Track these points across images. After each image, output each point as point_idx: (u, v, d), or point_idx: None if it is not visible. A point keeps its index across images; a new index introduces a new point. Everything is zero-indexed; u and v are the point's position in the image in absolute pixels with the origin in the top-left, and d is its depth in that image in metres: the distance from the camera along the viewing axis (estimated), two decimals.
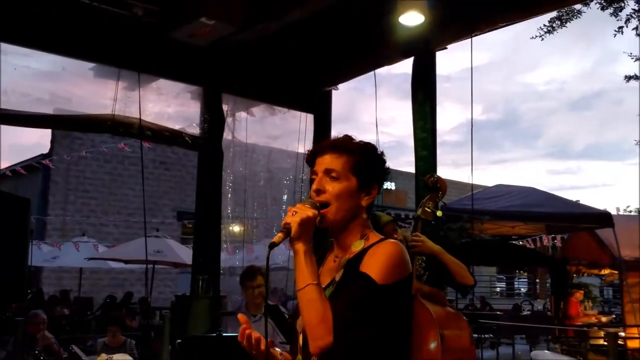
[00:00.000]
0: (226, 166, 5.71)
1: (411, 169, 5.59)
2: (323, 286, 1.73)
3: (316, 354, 1.61)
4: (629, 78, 12.57)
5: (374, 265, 1.65)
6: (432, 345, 3.37)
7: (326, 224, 1.75)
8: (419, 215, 3.69)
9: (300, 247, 1.65)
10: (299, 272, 1.65)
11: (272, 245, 1.64)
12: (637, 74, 12.63)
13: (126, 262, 11.67)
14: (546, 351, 3.55)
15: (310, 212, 1.67)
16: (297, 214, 1.66)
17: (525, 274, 24.67)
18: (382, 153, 1.84)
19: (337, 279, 1.73)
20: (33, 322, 6.50)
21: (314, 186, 1.77)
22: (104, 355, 2.13)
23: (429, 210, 3.68)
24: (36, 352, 2.16)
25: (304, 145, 5.90)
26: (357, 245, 1.75)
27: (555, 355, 3.30)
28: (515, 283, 25.86)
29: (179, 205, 17.95)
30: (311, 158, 1.82)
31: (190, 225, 16.65)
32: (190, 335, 4.04)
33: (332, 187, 1.74)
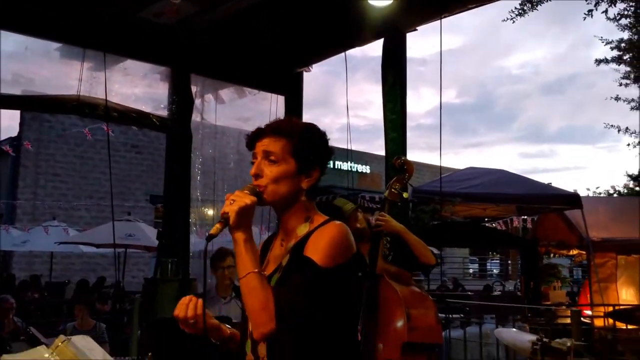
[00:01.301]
0: (195, 148, 5.65)
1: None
2: (270, 272, 1.75)
3: (260, 340, 1.63)
4: (599, 62, 12.74)
5: (317, 249, 1.64)
6: (399, 324, 3.41)
7: (265, 203, 1.74)
8: (386, 197, 3.72)
9: (239, 236, 1.64)
10: (240, 261, 1.64)
11: (210, 237, 1.64)
12: (608, 58, 12.80)
13: (97, 246, 11.55)
14: (510, 328, 3.61)
15: (248, 199, 1.65)
16: (234, 202, 1.64)
17: (498, 255, 25.02)
18: (324, 135, 1.82)
19: (283, 264, 1.73)
20: (1, 308, 6.41)
21: (252, 170, 1.76)
22: (62, 337, 2.10)
23: (395, 191, 3.71)
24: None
25: None
26: (302, 229, 1.75)
27: (519, 332, 3.36)
28: (487, 265, 26.23)
29: (152, 189, 17.79)
30: (251, 142, 1.80)
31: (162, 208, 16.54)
32: (158, 317, 4.00)
33: (269, 171, 1.73)
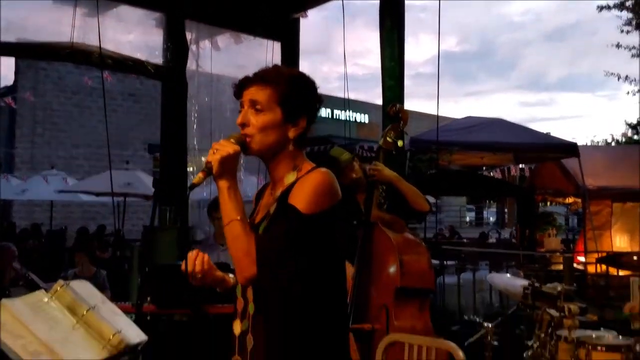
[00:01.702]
0: (191, 96, 5.61)
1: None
2: (258, 220, 1.77)
3: (244, 284, 1.68)
4: (601, 8, 12.54)
5: (300, 196, 1.65)
6: (392, 270, 3.47)
7: (251, 152, 1.75)
8: (381, 146, 3.71)
9: (223, 184, 1.66)
10: (224, 209, 1.66)
11: (192, 187, 1.65)
12: (610, 4, 12.59)
13: (97, 194, 11.62)
14: (503, 274, 3.69)
15: (231, 148, 1.66)
16: (217, 151, 1.65)
17: (495, 204, 25.20)
18: (312, 83, 1.80)
19: (271, 212, 1.74)
20: (2, 256, 6.49)
21: (239, 119, 1.75)
22: (60, 282, 2.14)
23: (390, 140, 3.70)
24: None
25: None
26: (290, 178, 1.76)
27: (511, 278, 3.43)
28: (484, 213, 26.45)
29: (150, 137, 17.69)
30: (238, 90, 1.79)
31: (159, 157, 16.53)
32: (157, 264, 4.07)
33: (255, 120, 1.72)
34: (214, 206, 4.82)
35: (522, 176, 13.29)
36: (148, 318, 3.49)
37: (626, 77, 15.75)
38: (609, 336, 2.91)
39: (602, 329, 2.97)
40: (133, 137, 17.79)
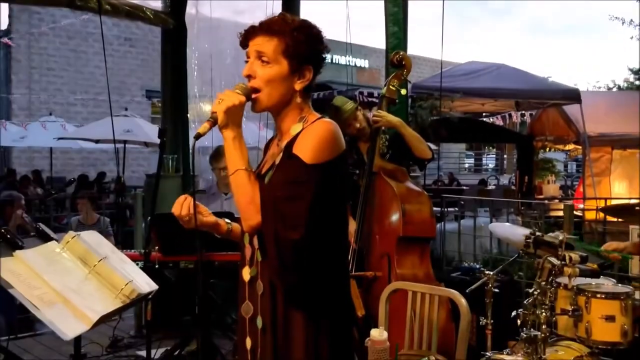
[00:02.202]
0: (191, 43, 5.53)
1: (379, 47, 5.48)
2: (265, 171, 1.80)
3: (249, 232, 1.72)
4: None
5: (304, 146, 1.67)
6: (394, 219, 3.52)
7: (259, 109, 1.77)
8: (384, 94, 3.70)
9: (228, 133, 1.68)
10: (229, 158, 1.69)
11: (198, 136, 1.67)
12: None
13: (96, 141, 11.59)
14: (504, 223, 3.74)
15: (236, 99, 1.67)
16: (222, 101, 1.66)
17: (494, 150, 25.20)
18: (318, 33, 1.78)
19: (277, 162, 1.76)
20: (8, 203, 6.54)
21: (245, 71, 1.75)
22: (71, 233, 2.18)
23: (393, 88, 3.69)
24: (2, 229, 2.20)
25: None
26: (296, 128, 1.76)
27: (512, 226, 3.47)
28: (483, 159, 26.46)
29: (148, 83, 17.56)
30: (244, 40, 1.77)
31: (160, 104, 16.43)
32: (161, 212, 4.10)
33: (262, 72, 1.72)
34: (215, 156, 4.83)
35: (523, 123, 13.25)
36: (156, 266, 3.53)
37: (631, 22, 15.52)
38: (609, 284, 2.97)
39: (601, 277, 3.02)
40: (130, 83, 17.62)
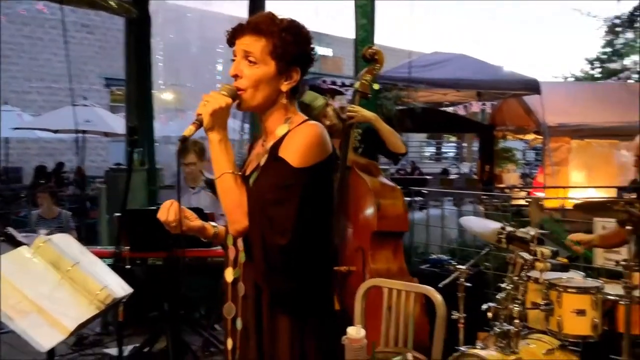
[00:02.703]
0: (155, 33, 5.39)
1: (349, 34, 5.46)
2: (250, 172, 1.78)
3: (236, 236, 1.71)
4: None
5: (291, 149, 1.66)
6: (369, 214, 3.52)
7: (244, 108, 1.75)
8: (357, 88, 3.68)
9: (214, 136, 1.65)
10: (215, 162, 1.67)
11: (184, 139, 1.65)
12: None
13: (55, 131, 11.29)
14: (476, 217, 3.78)
15: (222, 101, 1.65)
16: (208, 103, 1.64)
17: (454, 138, 25.52)
18: (307, 34, 1.76)
19: (261, 164, 1.75)
20: None
21: (231, 70, 1.73)
22: (42, 237, 2.10)
23: (366, 82, 3.67)
24: None
25: (240, 10, 5.58)
26: (281, 130, 1.75)
27: (484, 220, 3.51)
28: (443, 148, 26.78)
29: (106, 71, 17.10)
30: (231, 38, 1.75)
31: (120, 93, 16.06)
32: (130, 208, 4.02)
33: (249, 72, 1.70)
34: (181, 152, 4.74)
35: (483, 112, 13.44)
36: (127, 267, 3.46)
37: (588, 13, 15.91)
38: (578, 278, 3.03)
39: (570, 270, 3.08)
40: (88, 70, 17.14)
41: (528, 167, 17.38)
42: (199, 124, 1.64)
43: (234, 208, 1.64)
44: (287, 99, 1.77)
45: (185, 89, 5.90)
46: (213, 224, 1.95)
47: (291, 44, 1.71)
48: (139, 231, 3.84)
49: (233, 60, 1.74)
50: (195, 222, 1.89)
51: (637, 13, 13.15)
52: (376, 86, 4.04)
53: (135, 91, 5.34)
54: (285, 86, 1.74)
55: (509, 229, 3.04)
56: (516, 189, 11.81)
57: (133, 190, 4.90)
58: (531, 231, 2.91)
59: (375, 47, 3.80)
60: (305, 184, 1.64)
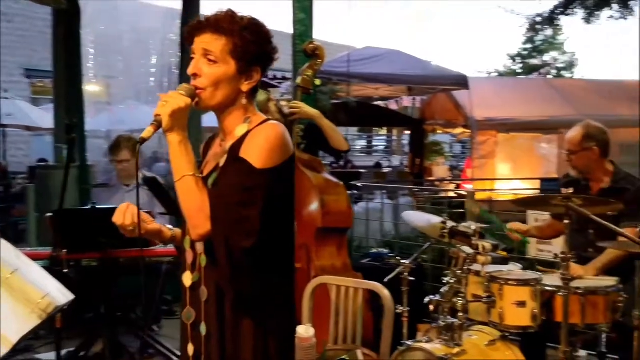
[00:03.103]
0: (85, 24, 5.16)
1: (283, 28, 5.43)
2: (208, 172, 1.74)
3: (197, 240, 1.66)
4: None
5: (253, 150, 1.63)
6: (313, 210, 3.51)
7: (202, 108, 1.71)
8: (298, 84, 3.66)
9: (174, 137, 1.61)
10: (175, 164, 1.62)
11: (142, 141, 1.60)
12: None
13: None
14: (417, 212, 3.84)
15: (182, 101, 1.61)
16: (167, 104, 1.60)
17: (384, 131, 25.94)
18: (267, 33, 1.73)
19: (220, 164, 1.71)
20: None
21: (190, 69, 1.68)
22: None
23: (307, 78, 3.66)
24: None
25: (174, 2, 5.42)
26: (241, 130, 1.72)
27: (425, 215, 3.58)
28: (374, 141, 27.17)
29: (27, 62, 16.29)
30: (190, 35, 1.70)
31: (41, 85, 15.35)
32: (63, 208, 3.85)
33: (208, 71, 1.66)
34: (113, 148, 4.57)
35: (414, 106, 13.74)
36: (65, 270, 3.30)
37: (512, 10, 16.54)
38: (517, 270, 3.14)
39: (509, 263, 3.19)
40: (7, 61, 16.27)
41: (455, 160, 17.87)
42: (157, 125, 1.59)
43: (195, 212, 1.60)
44: (247, 99, 1.73)
45: (115, 82, 5.69)
46: (169, 226, 1.90)
47: (252, 43, 1.68)
48: (73, 232, 3.68)
49: (191, 58, 1.69)
50: (153, 225, 1.83)
51: (558, 12, 13.71)
52: (318, 82, 4.04)
53: (65, 85, 5.10)
54: (245, 86, 1.71)
55: (450, 223, 3.11)
56: (446, 182, 12.15)
57: (62, 188, 4.71)
58: (473, 225, 2.99)
59: (316, 43, 3.80)
60: (268, 185, 1.62)
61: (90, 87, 5.28)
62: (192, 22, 1.71)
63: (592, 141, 3.29)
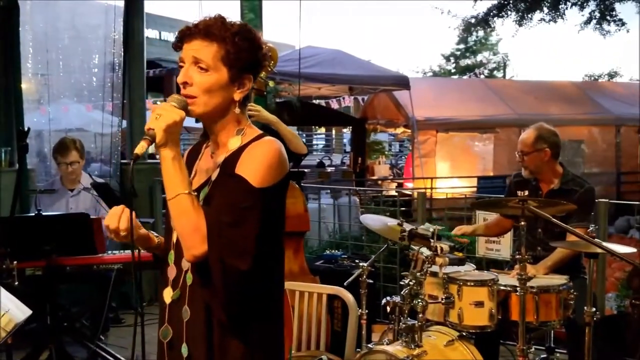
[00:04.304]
0: (24, 22, 4.93)
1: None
2: (199, 185, 1.66)
3: (192, 261, 1.57)
4: None
5: (250, 168, 1.56)
6: None
7: (193, 116, 1.62)
8: (252, 86, 3.61)
9: (167, 153, 1.52)
10: (169, 181, 1.53)
11: (136, 158, 1.51)
12: None
13: None
14: (373, 215, 3.85)
15: (176, 114, 1.52)
16: (161, 117, 1.50)
17: (323, 130, 26.06)
18: (259, 39, 1.66)
19: (213, 178, 1.64)
20: None
21: (180, 77, 1.60)
22: None
23: (261, 80, 3.62)
24: None
25: None
26: (234, 143, 1.65)
27: (382, 218, 3.61)
28: (313, 139, 27.27)
29: None
30: (179, 42, 1.62)
31: None
32: (5, 216, 3.66)
33: (200, 80, 1.58)
34: (58, 149, 4.39)
35: (356, 106, 13.88)
36: (16, 284, 3.14)
37: (449, 12, 16.98)
38: (474, 271, 3.21)
39: (466, 264, 3.25)
40: None
41: (394, 159, 18.17)
42: (150, 139, 1.49)
43: (191, 232, 1.51)
44: (239, 109, 1.66)
45: (51, 79, 5.45)
46: (154, 233, 1.79)
47: (244, 50, 1.60)
48: (16, 240, 3.51)
49: (181, 66, 1.61)
50: (142, 230, 1.72)
51: (492, 13, 14.16)
52: (271, 83, 4.01)
53: (2, 86, 4.85)
54: (237, 95, 1.63)
55: (408, 226, 3.15)
56: (388, 180, 12.34)
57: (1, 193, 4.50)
58: (431, 228, 3.04)
59: (268, 44, 3.76)
60: (264, 204, 1.55)
61: (25, 84, 5.01)
62: (180, 29, 1.63)
63: (544, 143, 3.40)
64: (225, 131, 1.66)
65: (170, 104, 1.54)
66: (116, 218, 1.59)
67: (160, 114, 1.51)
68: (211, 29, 1.58)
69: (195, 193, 1.57)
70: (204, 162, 1.73)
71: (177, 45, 1.63)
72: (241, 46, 1.60)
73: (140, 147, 1.49)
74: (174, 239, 1.65)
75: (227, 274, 1.52)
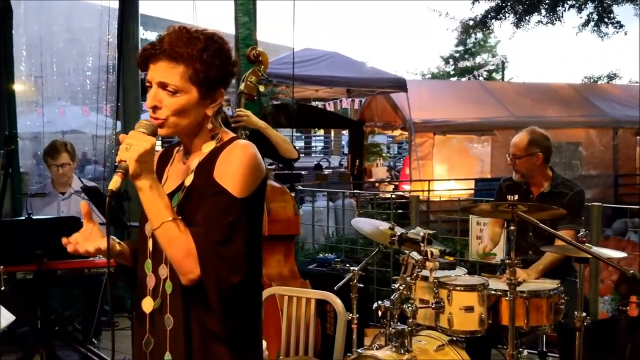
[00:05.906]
0: (17, 25, 4.91)
1: (228, 32, 5.34)
2: (171, 190, 1.63)
3: (188, 285, 1.53)
4: None
5: (230, 177, 1.53)
6: None
7: (166, 134, 1.59)
8: (242, 90, 3.59)
9: (144, 183, 1.47)
10: (151, 210, 1.49)
11: (112, 195, 1.44)
12: None
13: None
14: (365, 219, 3.83)
15: (147, 142, 1.46)
16: (131, 147, 1.44)
17: (322, 132, 26.06)
18: (228, 50, 1.61)
19: (187, 183, 1.60)
20: None
21: (149, 101, 1.55)
22: None
23: (251, 84, 3.61)
24: None
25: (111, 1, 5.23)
26: (208, 146, 1.62)
27: (374, 222, 3.59)
28: (312, 142, 27.26)
29: None
30: (143, 63, 1.56)
31: None
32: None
33: (170, 102, 1.54)
34: (49, 152, 4.38)
35: (353, 108, 13.87)
36: (2, 288, 3.13)
37: (447, 14, 17.00)
38: (465, 276, 3.19)
39: (457, 268, 3.23)
40: None
41: (392, 161, 18.15)
42: (123, 172, 1.44)
43: (183, 258, 1.48)
44: (212, 122, 1.63)
45: (47, 82, 5.45)
46: (122, 243, 1.75)
47: (213, 67, 1.55)
48: (7, 244, 3.50)
49: (149, 86, 1.56)
50: (116, 247, 1.69)
51: (490, 16, 14.15)
52: (262, 88, 3.99)
53: None
54: (210, 110, 1.60)
55: (399, 230, 3.13)
56: (385, 182, 12.32)
57: None
58: (421, 232, 3.02)
59: (259, 48, 3.76)
60: (248, 213, 1.54)
61: (18, 87, 5.00)
62: (143, 48, 1.57)
63: (536, 147, 3.39)
64: (200, 140, 1.64)
65: (139, 131, 1.49)
66: (82, 243, 1.57)
67: (130, 143, 1.45)
68: (176, 48, 1.52)
69: (179, 217, 1.52)
70: (176, 166, 1.70)
71: (142, 65, 1.57)
72: (210, 63, 1.54)
73: (114, 182, 1.44)
74: (150, 247, 1.62)
75: (222, 290, 1.50)
